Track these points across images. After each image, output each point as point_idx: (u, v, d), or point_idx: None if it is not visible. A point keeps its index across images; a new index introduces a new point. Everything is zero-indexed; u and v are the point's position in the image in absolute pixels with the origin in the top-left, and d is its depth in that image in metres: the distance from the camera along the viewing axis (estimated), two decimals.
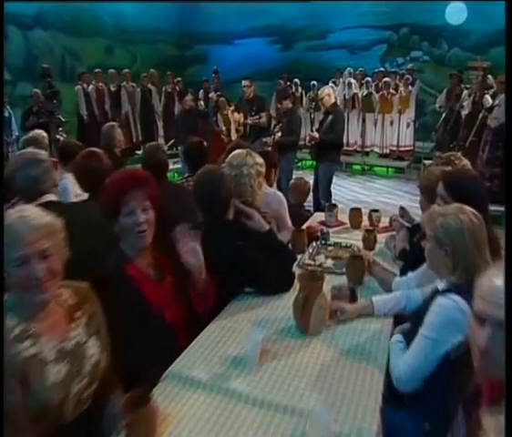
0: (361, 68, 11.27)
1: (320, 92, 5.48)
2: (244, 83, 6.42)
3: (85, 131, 8.73)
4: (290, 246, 2.67)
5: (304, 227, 3.01)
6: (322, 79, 11.27)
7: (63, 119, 6.76)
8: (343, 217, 3.29)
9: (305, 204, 4.36)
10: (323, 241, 2.82)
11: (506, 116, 2.39)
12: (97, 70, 8.87)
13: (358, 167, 9.82)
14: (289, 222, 2.98)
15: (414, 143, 9.74)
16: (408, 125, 9.47)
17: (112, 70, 9.04)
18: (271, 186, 3.27)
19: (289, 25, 13.68)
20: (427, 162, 8.89)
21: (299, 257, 2.61)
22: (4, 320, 1.26)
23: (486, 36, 10.36)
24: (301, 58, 13.51)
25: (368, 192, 8.22)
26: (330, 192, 5.53)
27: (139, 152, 9.65)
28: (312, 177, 5.67)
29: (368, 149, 10.14)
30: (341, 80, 11.13)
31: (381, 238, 2.81)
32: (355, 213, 3.19)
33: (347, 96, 10.44)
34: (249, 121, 6.09)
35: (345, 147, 10.32)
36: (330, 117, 5.21)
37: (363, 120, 9.92)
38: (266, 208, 2.73)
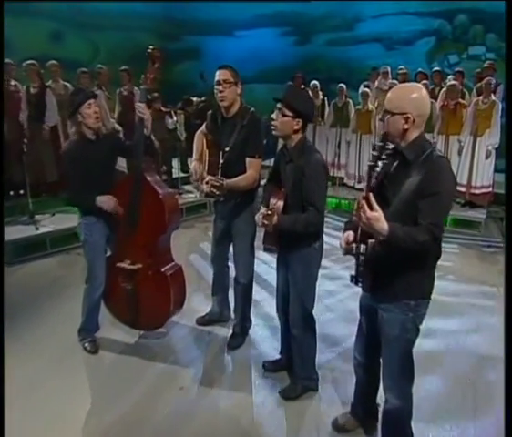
0: (401, 67, 7.97)
1: None
2: (220, 74, 2.90)
3: None
4: None
5: None
6: (350, 82, 8.18)
7: None
8: None
9: None
10: None
11: (507, 117, 1.67)
12: (7, 61, 5.69)
13: None
14: None
15: (494, 182, 6.37)
16: (488, 154, 6.12)
17: (30, 62, 5.83)
18: None
19: (305, 12, 11.33)
20: None
21: None
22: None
23: None
24: (321, 55, 11.20)
25: None
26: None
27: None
28: None
29: None
30: (376, 83, 7.89)
31: None
32: None
33: None
34: (211, 182, 2.72)
35: None
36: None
37: None
38: None
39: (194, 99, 8.02)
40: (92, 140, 2.97)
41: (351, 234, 2.11)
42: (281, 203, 2.54)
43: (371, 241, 1.95)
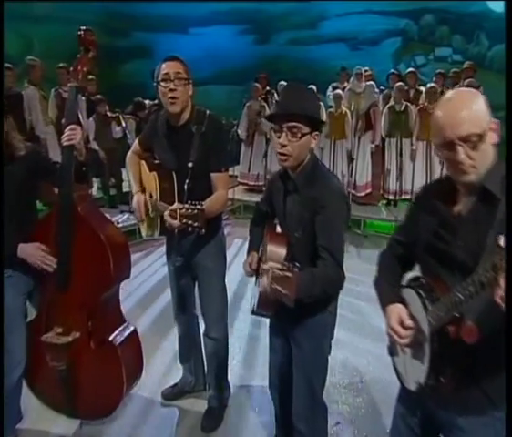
0: (366, 68, 7.48)
1: None
2: (170, 66, 2.10)
3: None
4: None
5: None
6: (315, 83, 7.56)
7: None
8: None
9: None
10: None
11: (506, 117, 1.34)
12: None
13: (382, 225, 5.95)
14: None
15: None
16: None
17: None
18: None
19: (265, 9, 10.75)
20: None
21: None
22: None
23: None
24: (282, 55, 10.83)
25: None
26: None
27: None
28: None
29: (401, 196, 6.31)
30: (349, 85, 7.33)
31: None
32: None
33: (361, 111, 6.66)
34: (181, 212, 1.89)
35: (357, 192, 6.55)
36: None
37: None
38: None
39: (146, 102, 7.08)
40: None
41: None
42: (284, 251, 1.76)
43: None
